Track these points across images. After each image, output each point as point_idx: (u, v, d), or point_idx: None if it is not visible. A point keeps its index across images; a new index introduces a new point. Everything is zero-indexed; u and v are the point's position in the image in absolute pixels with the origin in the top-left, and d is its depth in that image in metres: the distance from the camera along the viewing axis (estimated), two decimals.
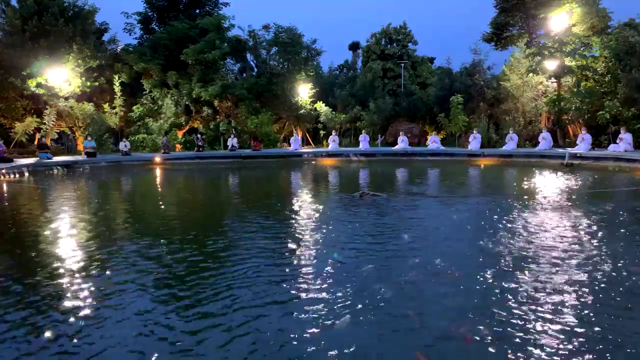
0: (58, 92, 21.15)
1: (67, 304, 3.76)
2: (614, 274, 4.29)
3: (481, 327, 3.19)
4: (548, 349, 2.89)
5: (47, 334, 3.24)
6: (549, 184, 11.33)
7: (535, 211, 7.40)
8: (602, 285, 4.01)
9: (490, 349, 2.91)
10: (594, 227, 6.20)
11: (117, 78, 24.13)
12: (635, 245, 5.41)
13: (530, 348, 2.91)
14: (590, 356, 2.82)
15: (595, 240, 5.49)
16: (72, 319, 3.46)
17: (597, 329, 3.18)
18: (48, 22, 20.85)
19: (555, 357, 2.80)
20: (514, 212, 7.36)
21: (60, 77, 21.00)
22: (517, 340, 3.01)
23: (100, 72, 24.03)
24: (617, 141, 16.87)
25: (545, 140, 19.38)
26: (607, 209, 7.53)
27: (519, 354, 2.84)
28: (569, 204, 8.21)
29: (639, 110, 18.04)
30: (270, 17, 35.70)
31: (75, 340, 3.13)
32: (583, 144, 17.86)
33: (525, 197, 8.94)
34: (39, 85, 20.57)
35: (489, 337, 3.05)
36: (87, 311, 3.61)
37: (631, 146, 16.79)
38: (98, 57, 23.41)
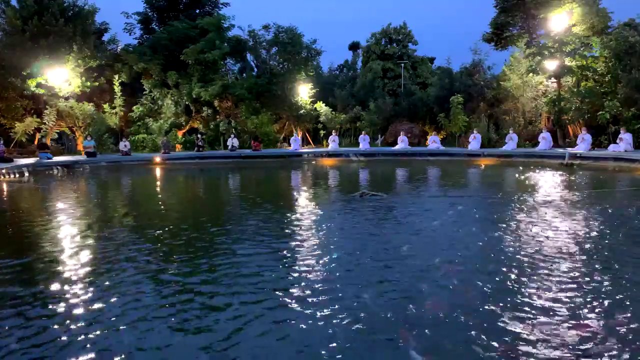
0: (58, 92, 21.16)
1: (67, 302, 3.76)
2: (613, 272, 4.29)
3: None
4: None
5: (48, 330, 3.24)
6: (549, 184, 11.32)
7: (533, 211, 7.40)
8: (598, 282, 4.02)
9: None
10: (593, 227, 6.20)
11: (117, 78, 24.12)
12: (633, 245, 5.42)
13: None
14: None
15: (594, 240, 5.50)
16: (72, 317, 3.47)
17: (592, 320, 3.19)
18: (48, 22, 20.86)
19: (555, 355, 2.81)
20: (514, 212, 7.36)
21: (60, 77, 21.01)
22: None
23: (100, 72, 24.04)
24: (617, 141, 16.88)
25: (545, 140, 19.38)
26: (606, 209, 7.53)
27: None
28: (568, 204, 8.21)
29: (639, 110, 18.05)
30: (270, 17, 35.70)
31: (77, 335, 3.14)
32: (583, 144, 17.86)
33: (524, 197, 8.94)
34: (39, 85, 20.57)
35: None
36: (87, 309, 3.62)
37: (631, 146, 16.80)
38: (98, 57, 23.43)
